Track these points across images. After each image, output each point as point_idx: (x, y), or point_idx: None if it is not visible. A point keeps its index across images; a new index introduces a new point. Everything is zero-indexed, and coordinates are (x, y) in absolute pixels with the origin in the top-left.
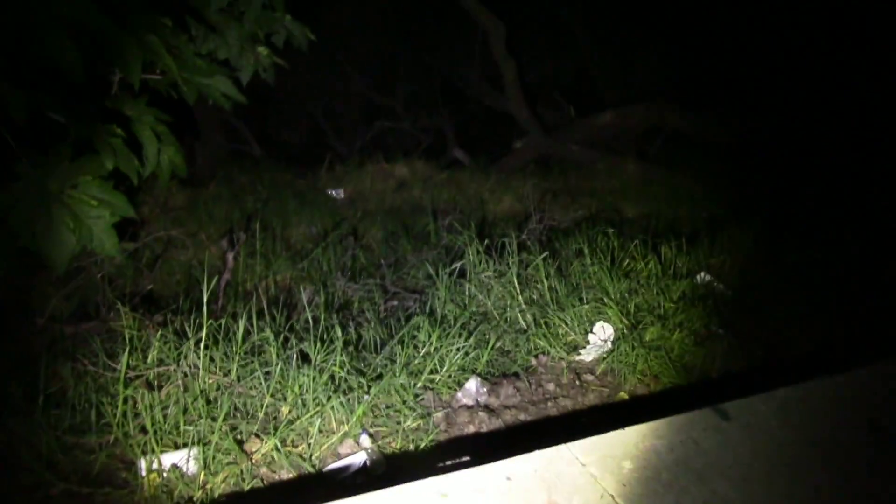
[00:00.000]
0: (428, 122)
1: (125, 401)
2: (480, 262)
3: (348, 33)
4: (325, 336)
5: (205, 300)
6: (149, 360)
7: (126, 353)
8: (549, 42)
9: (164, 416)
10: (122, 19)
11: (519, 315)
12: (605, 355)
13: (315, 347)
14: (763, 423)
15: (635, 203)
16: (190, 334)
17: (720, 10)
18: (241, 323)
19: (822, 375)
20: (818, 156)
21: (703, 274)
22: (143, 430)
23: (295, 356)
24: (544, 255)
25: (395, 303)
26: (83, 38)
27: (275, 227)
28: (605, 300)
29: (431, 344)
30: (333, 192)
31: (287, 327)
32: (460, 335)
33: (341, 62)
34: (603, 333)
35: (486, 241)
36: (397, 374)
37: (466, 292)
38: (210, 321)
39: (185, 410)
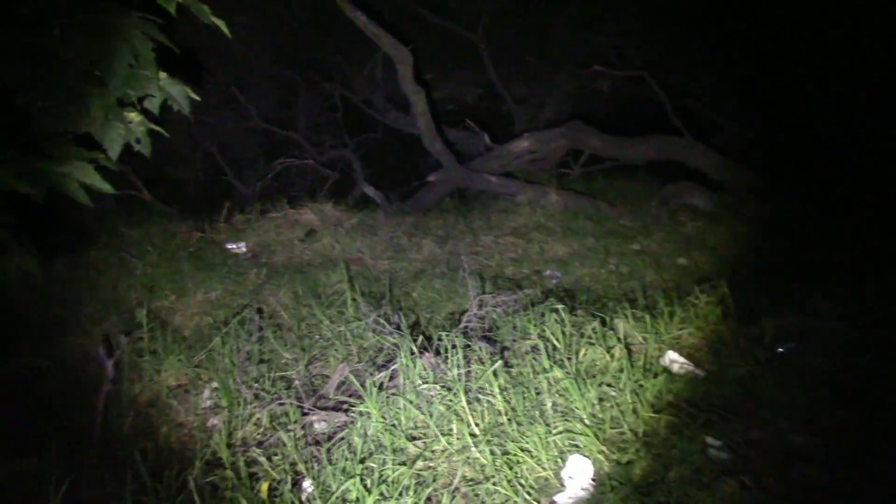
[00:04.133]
0: (333, 154)
1: None
2: (416, 367)
3: (240, 63)
4: None
5: None
6: None
7: None
8: (457, 65)
9: None
10: None
11: (473, 446)
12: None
13: None
14: None
15: (563, 241)
16: None
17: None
18: None
19: None
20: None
21: (672, 354)
22: None
23: None
24: (497, 363)
25: (314, 419)
26: None
27: (168, 298)
28: (577, 424)
29: None
30: (234, 247)
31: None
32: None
33: (235, 94)
34: (580, 474)
35: (421, 339)
36: None
37: (402, 407)
38: None
39: None
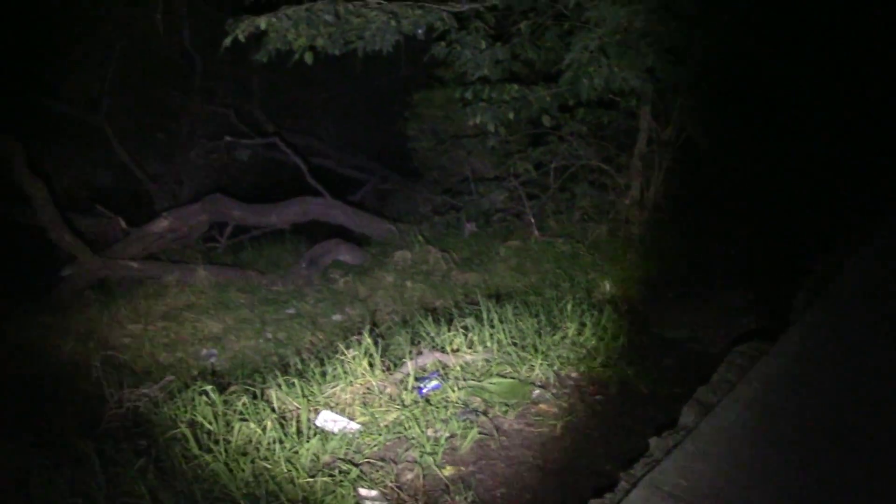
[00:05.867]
0: None
1: None
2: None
3: None
4: None
5: None
6: None
7: None
8: (83, 148)
9: None
10: None
11: None
12: None
13: None
14: None
15: (217, 316)
16: None
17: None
18: None
19: None
20: None
21: (326, 413)
22: None
23: None
24: (139, 462)
25: None
26: None
27: None
28: None
29: None
30: None
31: None
32: None
33: None
34: None
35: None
36: None
37: None
38: None
39: None
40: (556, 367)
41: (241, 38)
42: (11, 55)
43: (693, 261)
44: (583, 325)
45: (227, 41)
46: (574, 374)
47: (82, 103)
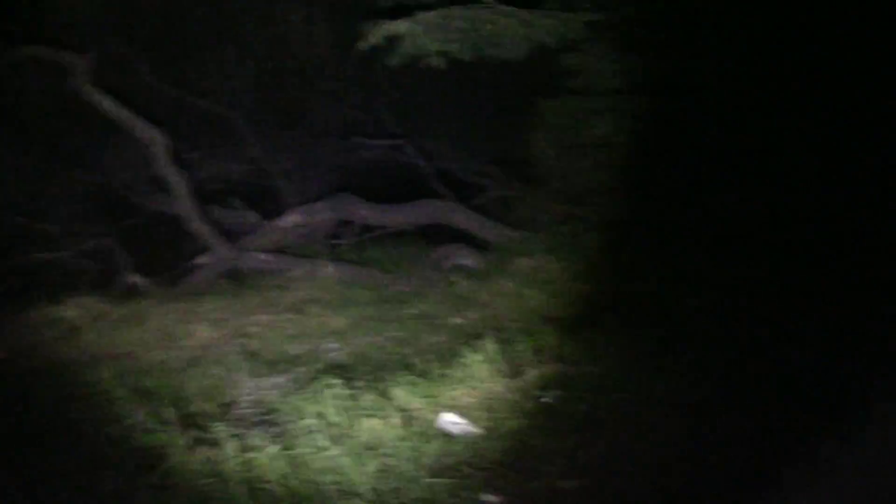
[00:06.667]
0: (93, 244)
1: None
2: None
3: None
4: None
5: None
6: None
7: None
8: (220, 142)
9: None
10: None
11: None
12: None
13: None
14: None
15: (341, 312)
16: None
17: None
18: None
19: None
20: None
21: (448, 416)
22: None
23: None
24: (272, 449)
25: None
26: None
27: None
28: (357, 501)
29: None
30: None
31: None
32: None
33: None
34: None
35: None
36: None
37: None
38: None
39: None
40: None
41: (381, 41)
42: (159, 54)
43: None
44: None
45: (364, 45)
46: None
47: (221, 100)
